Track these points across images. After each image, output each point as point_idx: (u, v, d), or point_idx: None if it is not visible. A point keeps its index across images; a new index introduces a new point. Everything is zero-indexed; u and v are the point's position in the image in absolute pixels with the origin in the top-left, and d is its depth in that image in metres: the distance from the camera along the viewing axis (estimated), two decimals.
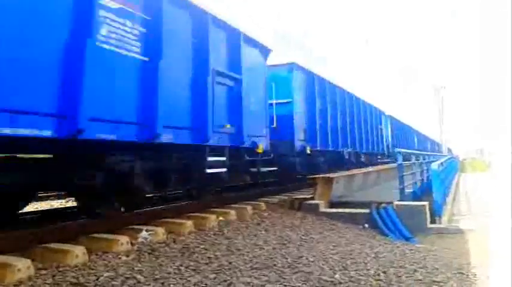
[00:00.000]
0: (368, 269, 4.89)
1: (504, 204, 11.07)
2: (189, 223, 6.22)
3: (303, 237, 6.55)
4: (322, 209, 8.85)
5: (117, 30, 5.23)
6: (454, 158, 30.51)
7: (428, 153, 20.78)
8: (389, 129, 24.28)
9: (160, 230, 5.60)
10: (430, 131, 53.54)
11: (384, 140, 22.96)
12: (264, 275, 4.41)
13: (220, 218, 7.03)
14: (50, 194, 10.31)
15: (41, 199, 10.69)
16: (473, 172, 32.74)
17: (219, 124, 7.50)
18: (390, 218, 7.96)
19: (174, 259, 4.78)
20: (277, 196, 10.29)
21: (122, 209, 6.36)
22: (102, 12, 4.99)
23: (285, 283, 4.20)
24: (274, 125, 11.06)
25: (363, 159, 17.93)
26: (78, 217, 6.44)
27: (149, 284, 3.90)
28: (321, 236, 6.79)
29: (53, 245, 4.55)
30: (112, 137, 5.09)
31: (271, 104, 10.63)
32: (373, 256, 5.68)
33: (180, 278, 4.14)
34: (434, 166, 9.99)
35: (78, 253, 4.32)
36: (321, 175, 10.14)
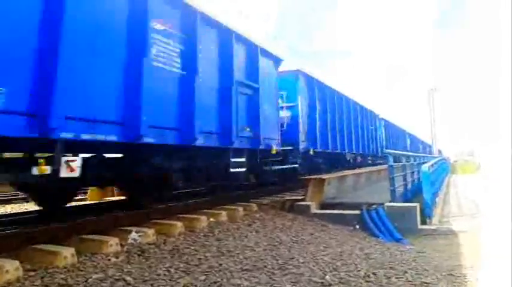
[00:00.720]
0: (358, 271, 4.89)
1: (494, 205, 11.13)
2: (180, 224, 6.19)
3: (294, 238, 6.55)
4: (313, 210, 8.86)
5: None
6: (445, 160, 30.63)
7: (415, 154, 18.02)
8: (302, 105, 12.84)
9: (150, 231, 5.57)
10: (421, 132, 53.50)
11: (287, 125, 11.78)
12: (254, 277, 4.40)
13: (211, 219, 7.01)
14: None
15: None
16: (464, 173, 32.98)
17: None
18: (381, 220, 7.99)
19: (163, 260, 4.76)
20: (268, 197, 10.27)
21: None
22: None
23: (275, 285, 4.19)
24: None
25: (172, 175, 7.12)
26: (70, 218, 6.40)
27: (138, 286, 3.88)
28: (311, 238, 6.79)
29: (42, 247, 4.52)
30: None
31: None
32: (363, 257, 5.69)
33: (170, 280, 4.12)
34: (425, 167, 10.04)
35: (67, 254, 4.29)
36: (312, 176, 10.15)
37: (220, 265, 4.75)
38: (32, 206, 8.89)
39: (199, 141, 7.05)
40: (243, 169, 8.46)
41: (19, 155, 5.45)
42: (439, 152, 46.10)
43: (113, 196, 10.85)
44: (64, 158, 4.85)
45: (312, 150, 13.11)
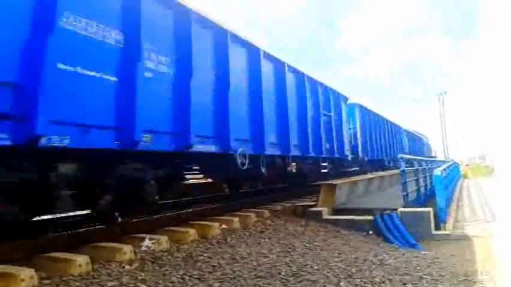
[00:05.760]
0: (373, 277, 4.84)
1: (507, 209, 10.99)
2: (192, 231, 6.19)
3: (307, 245, 6.51)
4: (326, 216, 8.80)
5: None
6: (457, 164, 30.24)
7: (420, 158, 13.67)
8: None
9: (164, 239, 5.57)
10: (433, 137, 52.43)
11: None
12: (268, 284, 4.37)
13: (224, 226, 7.00)
14: None
15: None
16: (476, 177, 32.66)
17: None
18: (394, 225, 7.92)
19: (177, 267, 4.75)
20: (280, 203, 10.24)
21: None
22: None
23: None
24: None
25: None
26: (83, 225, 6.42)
27: None
28: (324, 244, 6.74)
29: (56, 255, 4.53)
30: None
31: None
32: (378, 263, 5.63)
33: None
34: (437, 172, 9.96)
35: (81, 262, 4.30)
36: (324, 182, 10.11)
37: (234, 272, 4.73)
38: None
39: None
40: None
41: None
42: (445, 155, 44.89)
43: None
44: None
45: None
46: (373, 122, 19.57)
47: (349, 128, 15.62)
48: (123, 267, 4.56)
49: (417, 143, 36.47)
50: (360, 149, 16.43)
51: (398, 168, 11.07)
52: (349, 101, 15.67)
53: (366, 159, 17.22)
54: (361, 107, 17.63)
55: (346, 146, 14.42)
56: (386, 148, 21.70)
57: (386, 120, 23.06)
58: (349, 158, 14.76)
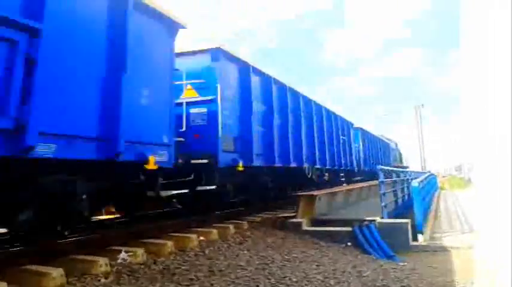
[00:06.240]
0: None
1: (487, 220, 11.13)
2: (170, 243, 6.10)
3: (286, 257, 6.49)
4: (305, 227, 8.80)
5: None
6: (434, 176, 30.50)
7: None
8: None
9: (140, 251, 5.47)
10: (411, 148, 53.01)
11: None
12: None
13: (202, 237, 6.92)
14: None
15: None
16: (453, 189, 33.10)
17: None
18: (373, 236, 7.95)
19: (154, 280, 4.67)
20: (259, 215, 10.20)
21: None
22: None
23: None
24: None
25: None
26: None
27: None
28: (303, 256, 6.73)
29: (29, 267, 4.42)
30: None
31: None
32: (356, 275, 5.64)
33: None
34: (415, 183, 10.05)
35: (55, 275, 4.19)
36: (303, 193, 10.11)
37: (212, 285, 4.68)
38: None
39: None
40: None
41: None
42: (422, 167, 44.93)
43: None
44: None
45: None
46: (281, 103, 11.65)
47: (181, 103, 8.21)
48: (99, 280, 4.46)
49: (380, 148, 29.36)
50: (223, 145, 8.40)
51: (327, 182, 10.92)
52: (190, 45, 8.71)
53: (242, 164, 8.95)
54: (234, 60, 9.38)
55: (160, 137, 6.41)
56: (313, 150, 13.81)
57: (317, 105, 14.91)
58: (163, 160, 6.35)
